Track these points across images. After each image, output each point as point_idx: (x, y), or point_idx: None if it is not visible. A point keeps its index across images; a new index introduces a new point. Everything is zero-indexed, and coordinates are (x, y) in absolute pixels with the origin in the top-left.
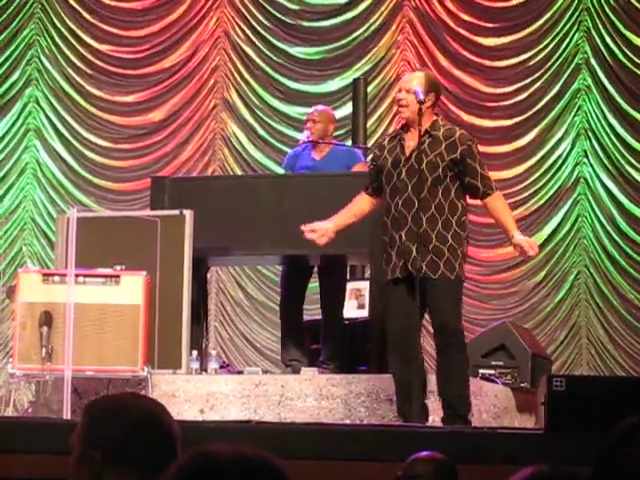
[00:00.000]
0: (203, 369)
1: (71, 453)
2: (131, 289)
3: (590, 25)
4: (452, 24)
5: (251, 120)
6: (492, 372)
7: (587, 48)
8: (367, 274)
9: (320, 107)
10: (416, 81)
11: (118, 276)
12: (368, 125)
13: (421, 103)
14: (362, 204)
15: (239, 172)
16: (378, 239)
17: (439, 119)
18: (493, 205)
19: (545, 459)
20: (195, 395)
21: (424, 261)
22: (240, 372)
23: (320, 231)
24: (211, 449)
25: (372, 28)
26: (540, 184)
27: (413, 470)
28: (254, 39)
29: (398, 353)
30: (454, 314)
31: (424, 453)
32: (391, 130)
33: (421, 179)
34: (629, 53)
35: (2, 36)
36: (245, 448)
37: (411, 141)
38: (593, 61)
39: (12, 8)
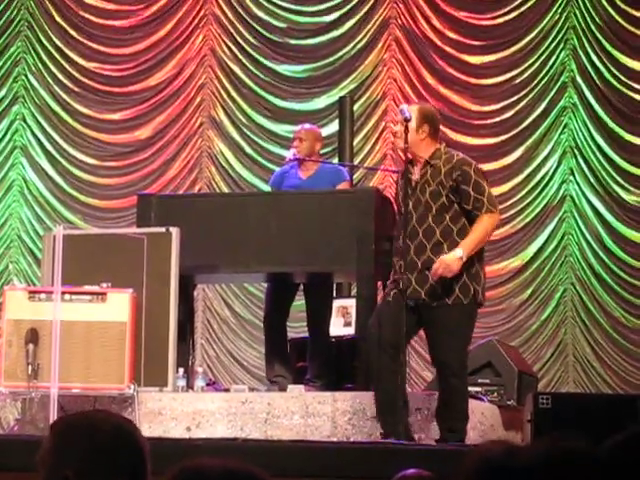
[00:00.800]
0: (190, 387)
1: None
2: (117, 307)
3: (576, 43)
4: (438, 42)
5: (238, 138)
6: (479, 390)
7: (573, 66)
8: (354, 292)
9: (307, 125)
10: (412, 114)
11: (104, 293)
12: (354, 143)
13: (407, 121)
14: None
15: (226, 190)
16: (364, 256)
17: (442, 147)
18: (478, 221)
19: None
20: (181, 413)
21: (423, 289)
22: (227, 390)
23: None
24: (199, 463)
25: (359, 46)
26: (526, 202)
27: None
28: (241, 57)
29: (387, 359)
30: (453, 349)
31: (411, 471)
32: (379, 148)
33: (425, 208)
34: (615, 71)
35: None
36: (231, 462)
37: (416, 173)
38: (579, 79)
39: None
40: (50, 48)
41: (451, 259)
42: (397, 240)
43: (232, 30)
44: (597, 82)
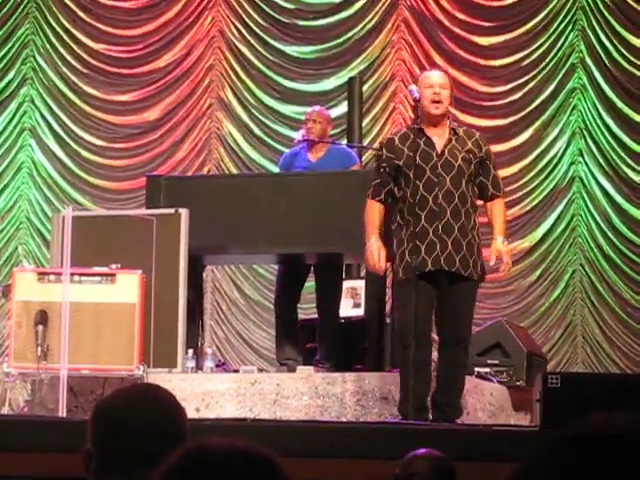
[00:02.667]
0: (199, 368)
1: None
2: (127, 288)
3: (585, 24)
4: (447, 23)
5: (246, 119)
6: (488, 370)
7: (582, 47)
8: (363, 273)
9: (318, 107)
10: (447, 79)
11: (114, 275)
12: (363, 124)
13: (416, 101)
14: (381, 213)
15: (234, 171)
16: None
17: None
18: (493, 207)
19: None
20: (191, 394)
21: (458, 257)
22: (236, 371)
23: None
24: (204, 443)
25: (367, 27)
26: (535, 183)
27: (412, 467)
28: (249, 38)
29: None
30: (470, 323)
31: (422, 450)
32: (388, 129)
33: (458, 173)
34: (624, 52)
35: None
36: (238, 441)
37: (436, 137)
38: (588, 60)
39: (7, 7)
40: (58, 30)
41: (503, 247)
42: (422, 206)
43: (241, 11)
44: (606, 63)
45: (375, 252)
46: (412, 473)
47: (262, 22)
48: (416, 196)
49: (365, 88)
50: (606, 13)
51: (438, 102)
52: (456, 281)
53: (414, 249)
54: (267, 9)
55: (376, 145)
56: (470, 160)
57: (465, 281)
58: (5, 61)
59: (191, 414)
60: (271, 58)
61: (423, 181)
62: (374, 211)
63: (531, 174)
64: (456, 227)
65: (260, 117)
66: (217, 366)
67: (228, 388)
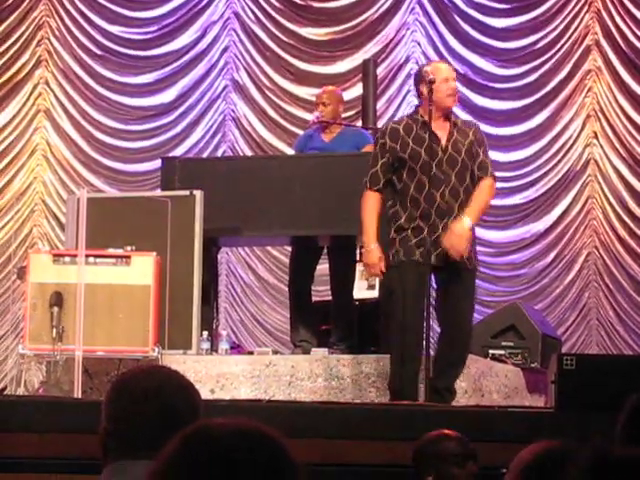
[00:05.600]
0: (214, 350)
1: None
2: (141, 269)
3: (600, 6)
4: (462, 5)
5: (261, 101)
6: (502, 352)
7: (597, 29)
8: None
9: (329, 88)
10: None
11: (129, 256)
12: (378, 106)
13: (432, 82)
14: (378, 207)
15: (249, 153)
16: (388, 220)
17: None
18: (483, 186)
19: (555, 437)
20: (205, 375)
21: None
22: (250, 353)
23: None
24: (209, 423)
25: (382, 9)
26: (550, 165)
27: (438, 447)
28: (264, 20)
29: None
30: (472, 315)
31: (445, 431)
32: (400, 113)
33: (462, 168)
34: None
35: (12, 17)
36: (243, 421)
37: (440, 131)
38: (603, 42)
39: None
40: (73, 12)
41: (464, 230)
42: (430, 202)
43: None
44: (621, 45)
45: (377, 263)
46: (437, 452)
47: (276, 4)
48: (422, 192)
49: (379, 70)
50: None
51: (454, 95)
52: (456, 274)
53: (421, 241)
54: None
55: (378, 134)
56: (472, 152)
57: (466, 273)
58: (20, 43)
59: (206, 396)
60: (285, 40)
61: (430, 177)
62: (372, 205)
63: (546, 156)
64: None
65: (274, 99)
66: (232, 348)
67: (243, 370)
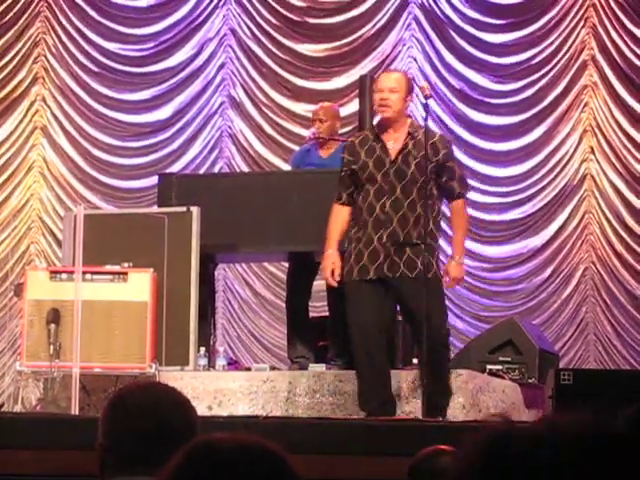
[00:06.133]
0: (211, 366)
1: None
2: (138, 286)
3: (596, 21)
4: (458, 21)
5: (258, 117)
6: (499, 368)
7: (593, 44)
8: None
9: (325, 104)
10: (399, 80)
11: (125, 273)
12: (374, 123)
13: (427, 98)
14: (345, 218)
15: (246, 169)
16: None
17: (412, 119)
18: (458, 210)
19: None
20: (203, 392)
21: (402, 261)
22: (248, 369)
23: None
24: (211, 437)
25: (378, 25)
26: (547, 181)
27: (434, 463)
28: (260, 36)
29: (364, 349)
30: (441, 315)
31: (440, 446)
32: None
33: (410, 181)
34: (636, 49)
35: (9, 34)
36: (245, 436)
37: (392, 142)
38: (599, 57)
39: (18, 6)
40: (69, 28)
41: (458, 270)
42: (369, 213)
43: (251, 9)
44: (617, 60)
45: (329, 267)
46: (433, 468)
47: (273, 20)
48: (366, 202)
49: None
50: (617, 10)
51: (384, 106)
52: (410, 285)
53: (358, 255)
54: (278, 7)
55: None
56: (424, 166)
57: (418, 282)
58: (17, 60)
59: (203, 412)
60: (282, 56)
61: (374, 188)
62: (335, 216)
63: (543, 171)
64: (402, 235)
65: (271, 115)
66: (229, 364)
67: (240, 386)
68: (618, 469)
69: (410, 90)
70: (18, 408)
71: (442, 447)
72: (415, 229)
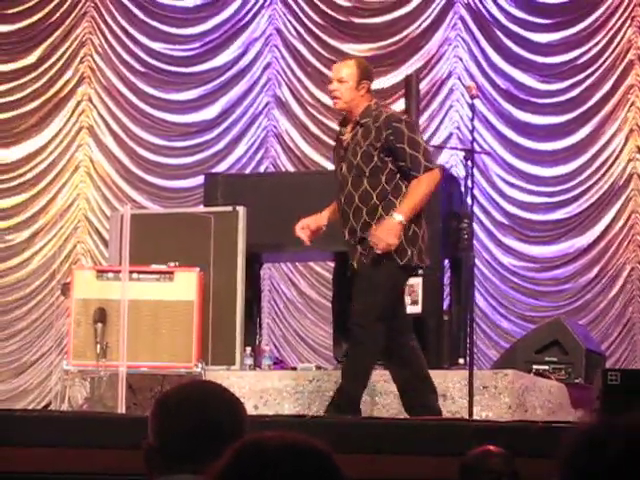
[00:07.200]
0: (257, 365)
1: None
2: (185, 285)
3: None
4: (504, 21)
5: (303, 117)
6: (546, 368)
7: None
8: (420, 270)
9: None
10: (348, 70)
11: (172, 272)
12: (420, 122)
13: (473, 98)
14: (332, 207)
15: (291, 168)
16: (431, 234)
17: (372, 104)
18: (412, 185)
19: None
20: (249, 391)
21: (364, 253)
22: (294, 368)
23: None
24: (259, 437)
25: (424, 25)
26: (593, 181)
27: (485, 463)
28: (306, 36)
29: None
30: (361, 303)
31: (490, 447)
32: (443, 128)
33: (358, 172)
34: None
35: (56, 35)
36: (293, 435)
37: (348, 133)
38: None
39: (65, 7)
40: (116, 29)
41: (390, 226)
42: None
43: (297, 9)
44: None
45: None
46: (483, 468)
47: (318, 20)
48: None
49: (422, 85)
50: None
51: (334, 98)
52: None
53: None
54: (323, 7)
55: None
56: (370, 153)
57: (359, 269)
58: (63, 60)
59: (249, 411)
60: (327, 56)
61: (336, 184)
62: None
63: (589, 171)
64: (358, 227)
65: (316, 115)
66: (275, 364)
67: (286, 385)
68: None
69: (364, 76)
70: (65, 407)
71: (491, 447)
72: (372, 219)
